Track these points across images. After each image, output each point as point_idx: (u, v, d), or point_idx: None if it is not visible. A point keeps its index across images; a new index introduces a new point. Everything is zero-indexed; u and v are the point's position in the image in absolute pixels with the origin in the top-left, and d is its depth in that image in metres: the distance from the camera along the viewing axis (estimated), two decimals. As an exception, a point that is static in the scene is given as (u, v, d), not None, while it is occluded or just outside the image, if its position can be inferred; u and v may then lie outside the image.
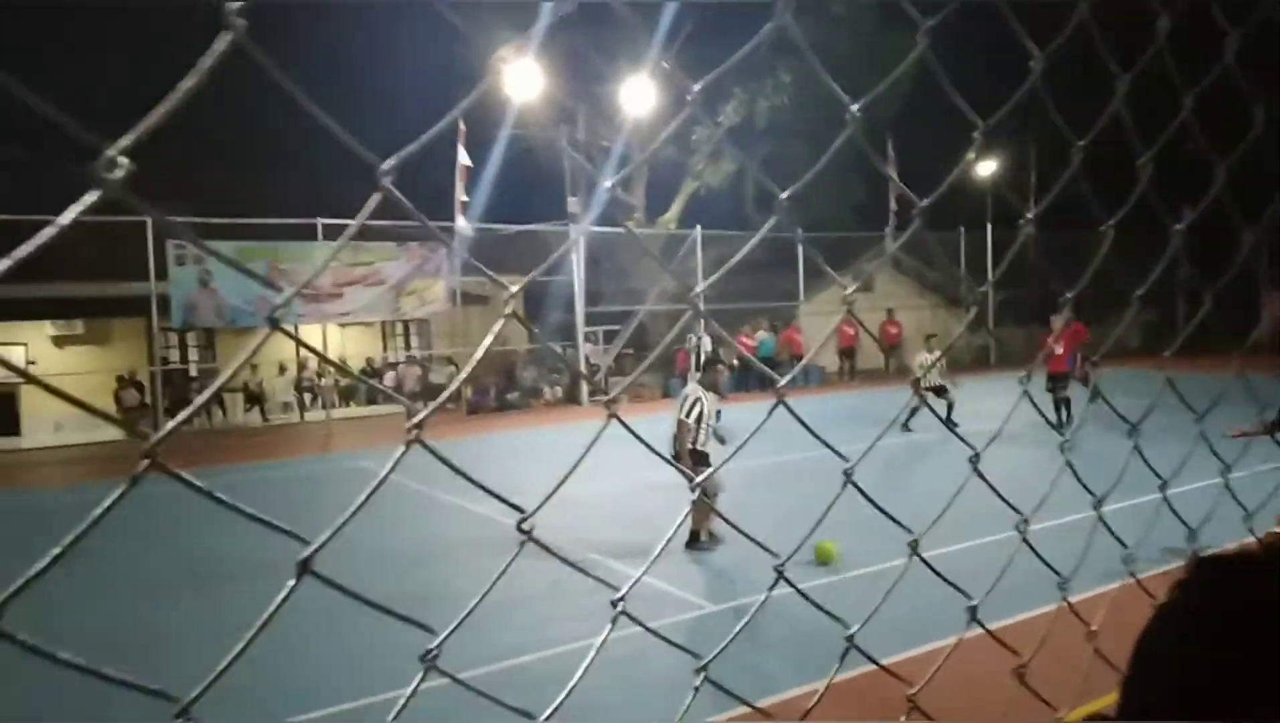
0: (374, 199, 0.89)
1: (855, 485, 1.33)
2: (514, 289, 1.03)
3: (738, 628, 1.36)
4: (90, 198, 0.68)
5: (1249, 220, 1.80)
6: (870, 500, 1.36)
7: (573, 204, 21.46)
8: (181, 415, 0.77)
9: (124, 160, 0.67)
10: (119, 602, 6.97)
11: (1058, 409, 13.08)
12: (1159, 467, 1.69)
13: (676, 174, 24.51)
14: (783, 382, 1.29)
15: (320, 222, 18.28)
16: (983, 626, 1.49)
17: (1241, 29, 1.62)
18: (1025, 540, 1.51)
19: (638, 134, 23.40)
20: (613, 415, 1.08)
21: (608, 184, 22.04)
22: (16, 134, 18.05)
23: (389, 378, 22.97)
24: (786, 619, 5.13)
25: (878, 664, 1.41)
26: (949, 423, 12.13)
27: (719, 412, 8.43)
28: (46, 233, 0.68)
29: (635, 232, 23.06)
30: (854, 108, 1.23)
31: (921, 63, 1.30)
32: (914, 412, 11.75)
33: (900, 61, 1.36)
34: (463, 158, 19.26)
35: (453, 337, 23.40)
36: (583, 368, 21.52)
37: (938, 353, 14.69)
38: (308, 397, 21.84)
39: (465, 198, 19.32)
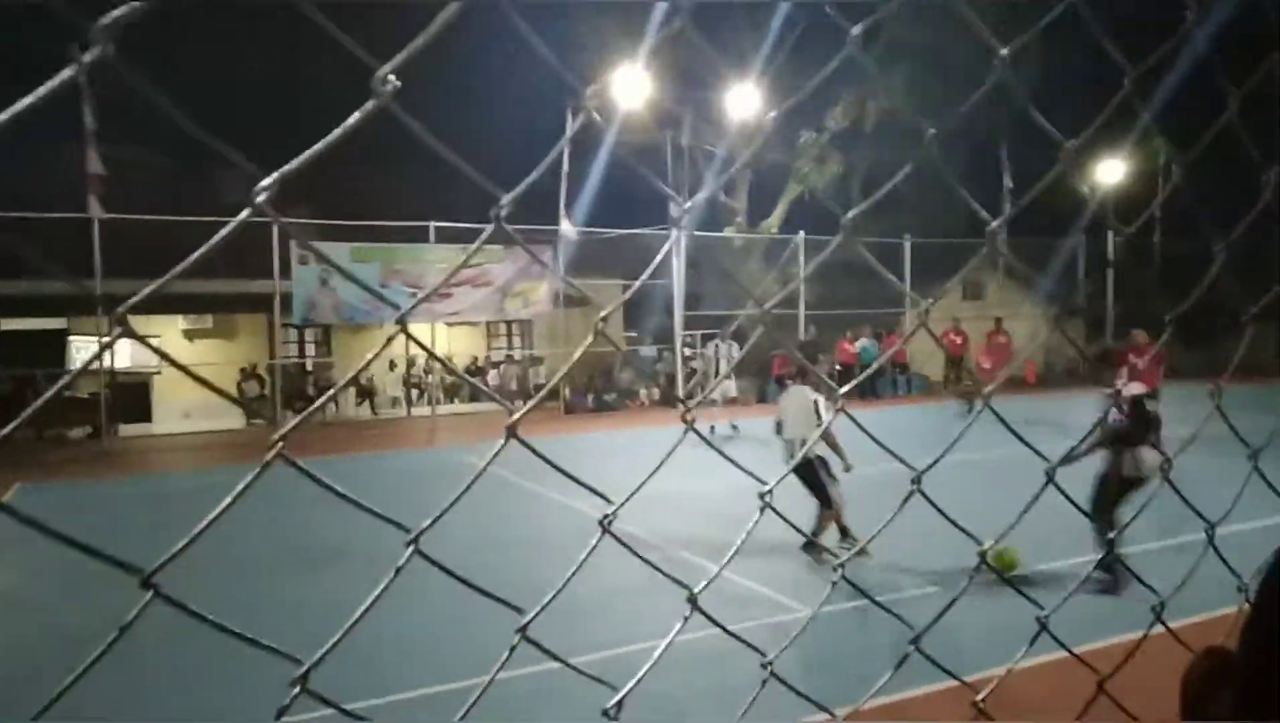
0: (488, 230, 0.96)
1: (924, 495, 1.29)
2: (603, 312, 1.07)
3: (802, 626, 1.35)
4: (244, 215, 0.79)
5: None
6: (939, 510, 1.32)
7: (675, 208, 21.49)
8: (307, 411, 0.83)
9: (266, 184, 0.78)
10: (244, 581, 7.38)
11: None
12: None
13: (780, 178, 24.29)
14: (843, 390, 1.27)
15: (433, 225, 18.94)
16: (1057, 641, 1.43)
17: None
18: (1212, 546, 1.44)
19: (742, 139, 23.31)
20: (690, 427, 1.10)
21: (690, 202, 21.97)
22: (158, 143, 19.37)
23: (492, 376, 23.58)
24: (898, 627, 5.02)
25: (950, 674, 1.37)
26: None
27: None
28: (210, 244, 0.80)
29: (737, 236, 22.99)
30: (1003, 51, 1.20)
31: (1043, 63, 1.27)
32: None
33: (1016, 62, 1.32)
34: (566, 165, 19.60)
35: (553, 338, 23.82)
36: (680, 371, 21.50)
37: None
38: (415, 393, 22.62)
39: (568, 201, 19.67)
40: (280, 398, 19.81)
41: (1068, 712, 1.38)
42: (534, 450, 1.01)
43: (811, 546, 7.31)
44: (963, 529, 1.35)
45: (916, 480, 1.28)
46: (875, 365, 9.13)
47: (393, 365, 23.28)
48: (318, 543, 8.39)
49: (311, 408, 0.83)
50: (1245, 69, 1.50)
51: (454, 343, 25.11)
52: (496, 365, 24.57)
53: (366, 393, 22.34)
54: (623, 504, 1.10)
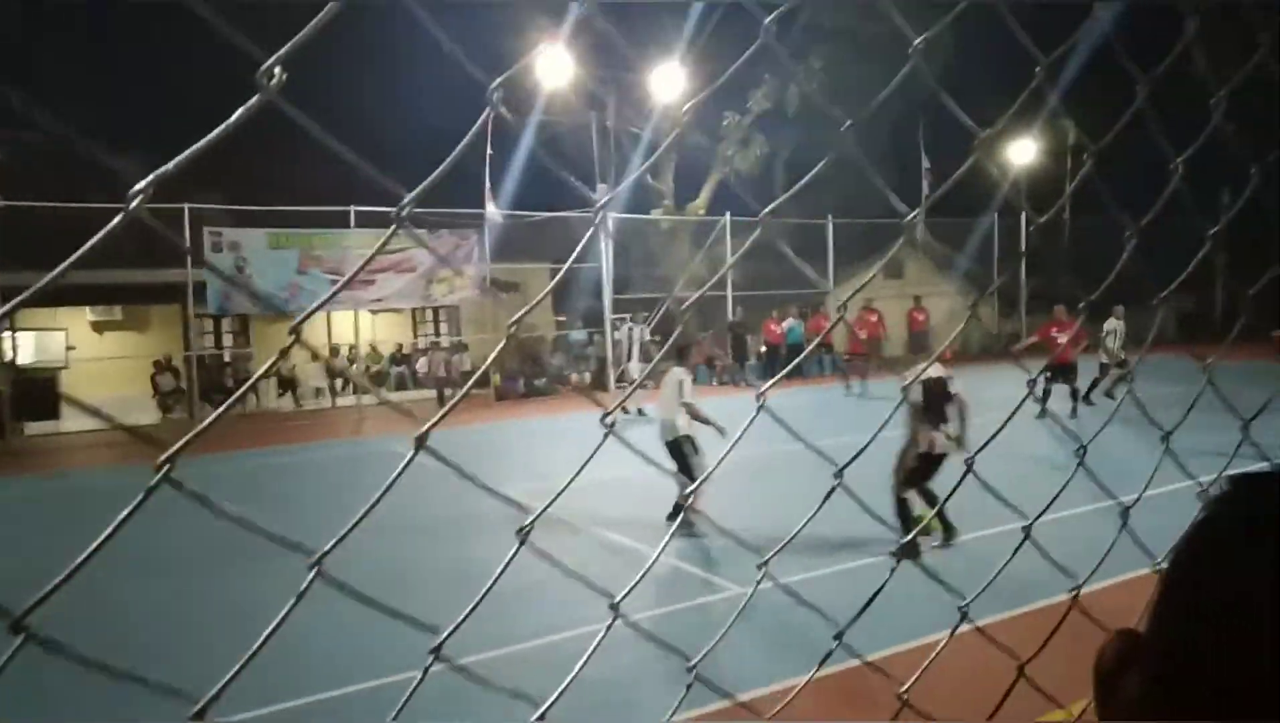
0: (390, 231, 0.93)
1: (847, 490, 1.32)
2: (515, 317, 1.05)
3: (727, 626, 1.37)
4: (117, 221, 0.76)
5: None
6: (863, 505, 1.35)
7: (602, 190, 21.46)
8: (198, 428, 0.79)
9: (139, 188, 0.75)
10: (144, 582, 7.12)
11: (1073, 396, 13.35)
12: (1195, 460, 1.67)
13: (706, 160, 24.41)
14: (767, 386, 1.28)
15: (354, 209, 18.47)
16: (977, 627, 1.48)
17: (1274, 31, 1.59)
18: (1028, 538, 1.50)
19: (667, 120, 23.33)
20: (609, 431, 1.09)
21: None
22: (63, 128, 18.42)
23: (421, 364, 23.19)
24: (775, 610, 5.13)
25: (873, 667, 1.40)
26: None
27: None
28: (85, 246, 0.76)
29: (664, 219, 23.06)
30: (917, 41, 1.22)
31: (954, 45, 1.29)
32: (1116, 382, 13.12)
33: (930, 49, 1.35)
34: (489, 150, 19.29)
35: (481, 323, 23.55)
36: (610, 355, 21.51)
37: (1120, 325, 13.91)
38: (339, 383, 22.12)
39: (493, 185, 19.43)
40: (197, 391, 19.15)
41: (986, 693, 1.43)
42: (445, 461, 1.00)
43: (675, 515, 7.73)
44: (880, 519, 1.38)
45: (839, 475, 1.30)
46: (795, 360, 9.27)
47: (315, 355, 22.72)
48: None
49: (200, 427, 0.79)
50: (1155, 48, 1.55)
51: (379, 330, 24.61)
52: (424, 351, 24.18)
53: (288, 384, 21.75)
54: (535, 518, 1.09)
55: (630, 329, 18.35)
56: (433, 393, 20.48)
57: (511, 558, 1.06)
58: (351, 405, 20.33)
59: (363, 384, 21.45)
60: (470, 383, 1.28)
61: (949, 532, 7.19)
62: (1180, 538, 0.60)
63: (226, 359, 22.57)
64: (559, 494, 1.14)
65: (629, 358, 18.47)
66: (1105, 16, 1.45)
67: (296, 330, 0.84)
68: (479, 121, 0.99)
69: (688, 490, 7.66)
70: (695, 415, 8.06)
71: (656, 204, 24.18)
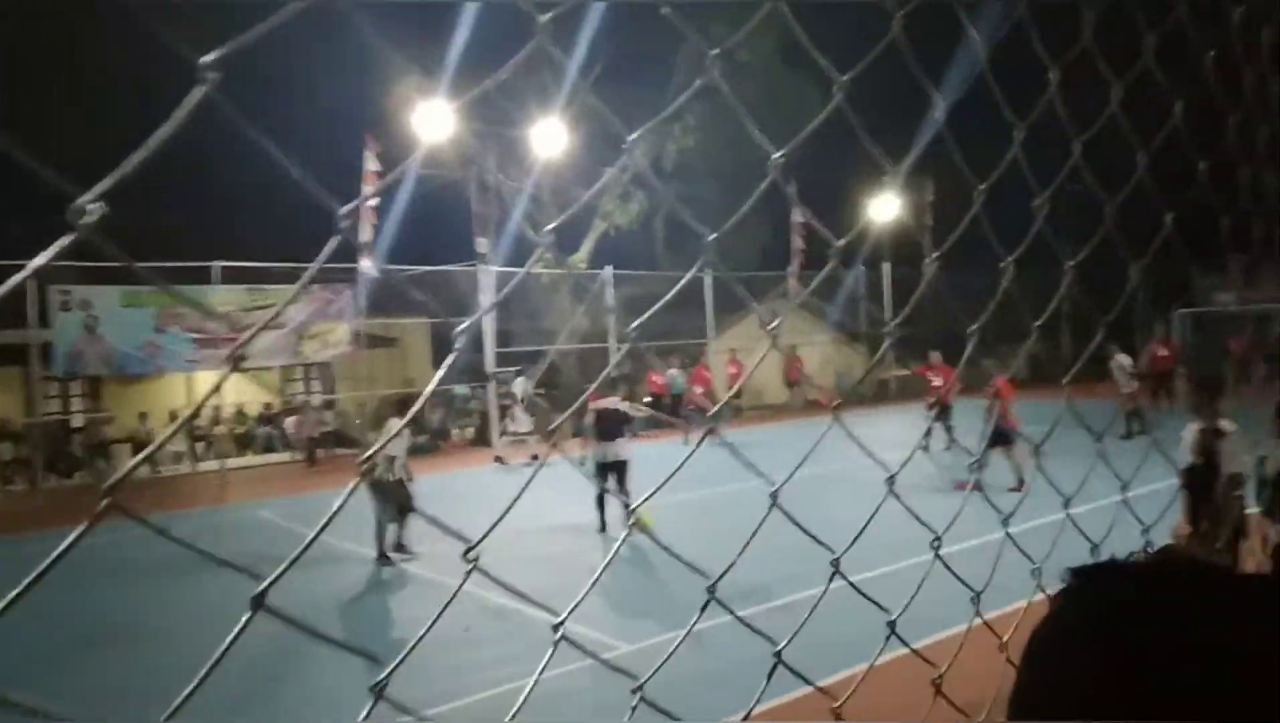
0: (332, 242, 0.88)
1: (782, 509, 1.33)
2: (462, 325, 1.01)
3: (672, 649, 1.34)
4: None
5: (1134, 255, 1.92)
6: (797, 523, 1.36)
7: (481, 244, 21.35)
8: (135, 462, 0.71)
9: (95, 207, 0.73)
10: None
11: (948, 433, 13.84)
12: (1062, 485, 1.76)
13: (586, 214, 24.69)
14: (696, 426, 1.28)
15: (217, 264, 17.66)
16: (901, 640, 1.52)
17: (1124, 78, 1.74)
18: (939, 558, 1.54)
19: (548, 175, 23.52)
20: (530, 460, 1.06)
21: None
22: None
23: (289, 424, 22.17)
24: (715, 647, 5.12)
25: (807, 682, 1.40)
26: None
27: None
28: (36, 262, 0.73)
29: (545, 272, 23.06)
30: (776, 156, 1.26)
31: (828, 106, 1.34)
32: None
33: (800, 102, 1.40)
34: (369, 198, 18.94)
35: (356, 380, 22.79)
36: (494, 410, 21.21)
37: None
38: (201, 446, 20.87)
39: (368, 238, 19.01)
40: (42, 460, 17.67)
41: (911, 704, 1.45)
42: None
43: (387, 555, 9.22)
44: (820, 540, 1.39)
45: (774, 495, 1.30)
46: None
47: (174, 416, 21.39)
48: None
49: (140, 458, 0.71)
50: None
51: (245, 390, 23.44)
52: (293, 411, 23.14)
53: (145, 448, 20.33)
54: (478, 542, 1.04)
55: (517, 382, 18.23)
56: (302, 455, 19.62)
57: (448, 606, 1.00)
58: (215, 469, 19.18)
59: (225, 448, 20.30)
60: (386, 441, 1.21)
61: None
62: (1030, 636, 0.63)
63: (77, 425, 20.95)
64: (494, 525, 1.09)
65: (508, 414, 18.44)
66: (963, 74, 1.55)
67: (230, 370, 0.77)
68: (384, 181, 0.95)
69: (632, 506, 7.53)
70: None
71: (538, 258, 24.21)
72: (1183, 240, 2.03)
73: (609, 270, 22.74)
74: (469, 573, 1.01)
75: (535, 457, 16.77)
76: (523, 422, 18.43)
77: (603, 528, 10.46)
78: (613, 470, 10.55)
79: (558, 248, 2.10)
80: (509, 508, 1.11)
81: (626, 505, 8.39)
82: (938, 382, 13.90)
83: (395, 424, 10.43)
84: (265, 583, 0.80)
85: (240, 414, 22.60)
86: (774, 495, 1.33)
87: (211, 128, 0.80)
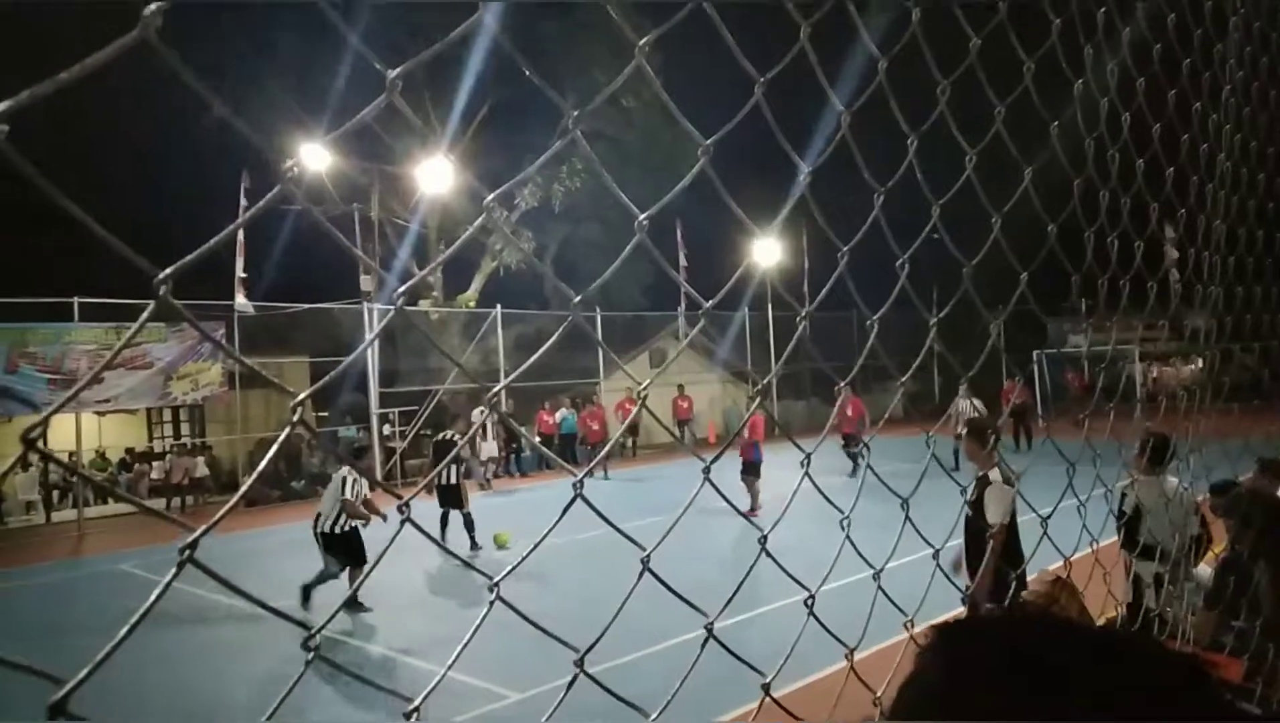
0: (149, 308, 0.83)
1: (651, 572, 1.34)
2: (301, 396, 0.98)
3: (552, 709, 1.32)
4: None
5: (994, 304, 2.05)
6: (666, 586, 1.38)
7: (366, 281, 20.84)
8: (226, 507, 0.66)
9: None
10: None
11: (854, 461, 15.17)
12: (931, 527, 1.85)
13: (475, 252, 24.50)
14: (580, 474, 1.29)
15: (77, 301, 16.57)
16: (775, 701, 1.52)
17: (976, 148, 1.87)
18: (812, 613, 1.58)
19: (433, 212, 23.25)
20: (406, 518, 1.03)
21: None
22: None
23: (157, 469, 20.93)
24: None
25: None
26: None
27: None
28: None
29: (433, 311, 22.69)
30: (641, 218, 1.29)
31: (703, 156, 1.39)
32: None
33: (679, 149, 1.45)
34: (240, 234, 18.27)
35: (229, 423, 21.73)
36: (377, 452, 20.59)
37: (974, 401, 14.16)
38: (56, 495, 19.41)
39: (244, 274, 18.34)
40: None
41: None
42: (215, 575, 0.89)
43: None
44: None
45: (646, 558, 1.31)
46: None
47: (26, 465, 19.84)
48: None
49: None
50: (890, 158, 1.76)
51: (107, 434, 22.01)
52: (159, 457, 21.84)
53: (-11, 499, 18.77)
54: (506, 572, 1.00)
55: (474, 413, 18.27)
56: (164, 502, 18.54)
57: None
58: (70, 520, 17.83)
59: (117, 493, 18.88)
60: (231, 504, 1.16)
61: None
62: (895, 696, 0.64)
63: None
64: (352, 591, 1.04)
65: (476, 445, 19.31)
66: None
67: (28, 436, 0.72)
68: (264, 201, 0.92)
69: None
70: (352, 511, 8.80)
71: (424, 295, 23.82)
72: (1038, 291, 2.19)
73: (498, 309, 22.58)
74: (309, 661, 0.97)
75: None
76: (490, 448, 19.78)
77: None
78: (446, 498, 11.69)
79: (444, 287, 2.08)
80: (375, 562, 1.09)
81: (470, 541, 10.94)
82: (850, 413, 15.90)
83: (345, 472, 9.09)
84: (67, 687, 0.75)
85: (101, 459, 21.17)
86: (645, 561, 1.34)
87: (73, 152, 0.77)
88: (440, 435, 12.77)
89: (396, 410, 21.49)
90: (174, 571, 0.83)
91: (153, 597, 0.80)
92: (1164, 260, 2.64)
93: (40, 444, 0.75)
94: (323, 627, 1.00)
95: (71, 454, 19.06)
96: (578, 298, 1.23)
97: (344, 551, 8.66)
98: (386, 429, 21.57)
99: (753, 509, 13.14)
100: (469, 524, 11.47)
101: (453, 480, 11.64)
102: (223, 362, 18.60)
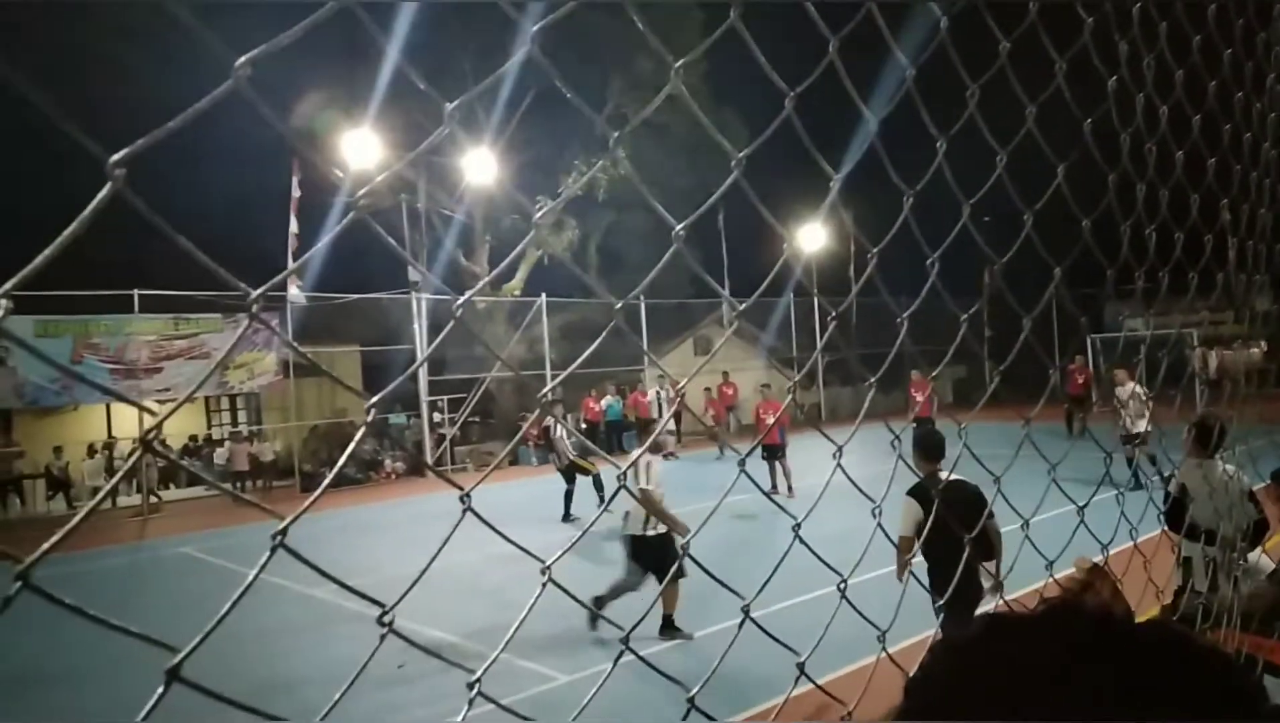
0: (244, 327, 0.87)
1: (692, 558, 1.36)
2: (374, 398, 1.03)
3: (594, 690, 1.35)
4: None
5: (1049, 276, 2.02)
6: (704, 569, 1.39)
7: (414, 272, 21.13)
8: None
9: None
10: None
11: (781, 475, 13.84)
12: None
13: (520, 240, 24.68)
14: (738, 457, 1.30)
15: (137, 293, 17.09)
16: (811, 680, 1.53)
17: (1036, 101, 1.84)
18: (845, 598, 1.59)
19: (479, 203, 23.45)
20: (468, 508, 1.06)
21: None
22: None
23: (219, 455, 21.51)
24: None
25: None
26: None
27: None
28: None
29: (479, 301, 22.91)
30: (678, 229, 1.31)
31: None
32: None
33: (726, 132, 1.45)
34: (292, 225, 18.68)
35: (284, 411, 22.23)
36: (428, 439, 20.93)
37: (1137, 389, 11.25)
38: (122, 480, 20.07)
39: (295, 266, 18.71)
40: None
41: None
42: (306, 561, 0.93)
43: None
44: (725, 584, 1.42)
45: (685, 545, 1.32)
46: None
47: (92, 451, 20.55)
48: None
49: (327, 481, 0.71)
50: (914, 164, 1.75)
51: (167, 422, 22.60)
52: (219, 443, 22.45)
53: (60, 485, 19.45)
54: (396, 603, 1.04)
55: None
56: (226, 487, 18.97)
57: (370, 657, 0.99)
58: (136, 504, 18.44)
59: (205, 478, 19.49)
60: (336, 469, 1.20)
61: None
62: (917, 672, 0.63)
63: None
64: (412, 586, 1.08)
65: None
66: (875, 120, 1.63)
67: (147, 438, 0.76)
68: (338, 225, 0.96)
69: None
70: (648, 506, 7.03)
71: (471, 285, 24.08)
72: (1087, 277, 2.15)
73: (543, 297, 22.73)
74: (384, 638, 1.01)
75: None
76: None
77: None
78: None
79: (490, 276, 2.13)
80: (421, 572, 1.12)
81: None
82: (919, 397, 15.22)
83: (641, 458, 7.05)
84: (181, 655, 0.80)
85: (164, 446, 21.83)
86: (684, 547, 1.36)
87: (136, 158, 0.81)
88: (546, 420, 13.93)
89: (445, 398, 21.80)
90: (268, 554, 0.88)
91: (251, 577, 0.85)
92: (1219, 246, 2.58)
93: (156, 445, 0.80)
94: (397, 601, 1.03)
95: (134, 442, 19.63)
96: (619, 304, 1.25)
97: (656, 559, 6.84)
98: (436, 416, 21.88)
99: (789, 491, 13.23)
100: (599, 485, 12.81)
101: (564, 463, 13.00)
102: (277, 351, 19.03)
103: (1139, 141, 2.02)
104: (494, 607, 8.20)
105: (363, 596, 1.01)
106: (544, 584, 1.15)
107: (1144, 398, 10.84)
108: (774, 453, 13.38)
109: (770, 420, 13.51)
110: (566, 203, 23.64)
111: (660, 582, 6.79)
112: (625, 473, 1.36)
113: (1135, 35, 1.93)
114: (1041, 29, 1.67)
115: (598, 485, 12.79)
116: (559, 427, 12.89)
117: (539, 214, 1.24)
